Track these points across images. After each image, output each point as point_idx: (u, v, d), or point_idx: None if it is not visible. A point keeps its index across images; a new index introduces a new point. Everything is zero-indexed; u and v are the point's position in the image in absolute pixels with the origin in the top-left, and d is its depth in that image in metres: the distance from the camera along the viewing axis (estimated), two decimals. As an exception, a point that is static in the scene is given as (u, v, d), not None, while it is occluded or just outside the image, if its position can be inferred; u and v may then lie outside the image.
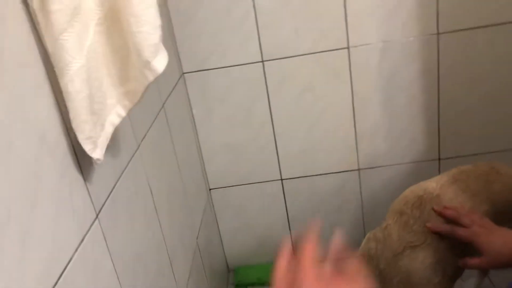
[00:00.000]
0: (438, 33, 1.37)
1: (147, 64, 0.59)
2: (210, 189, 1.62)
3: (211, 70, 1.44)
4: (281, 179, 1.60)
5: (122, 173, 0.84)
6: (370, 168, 1.56)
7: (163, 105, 1.18)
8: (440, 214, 0.90)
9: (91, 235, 0.68)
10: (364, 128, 1.50)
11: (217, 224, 1.67)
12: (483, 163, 1.04)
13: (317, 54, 1.40)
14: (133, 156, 0.91)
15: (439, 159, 1.53)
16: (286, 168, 1.58)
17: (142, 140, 0.97)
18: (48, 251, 0.57)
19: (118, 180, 0.81)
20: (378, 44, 1.39)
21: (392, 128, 1.50)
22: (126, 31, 0.59)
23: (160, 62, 0.60)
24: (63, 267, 0.60)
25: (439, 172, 1.54)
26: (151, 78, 0.61)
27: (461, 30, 1.36)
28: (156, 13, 0.58)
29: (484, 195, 0.93)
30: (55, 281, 0.58)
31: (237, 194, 1.63)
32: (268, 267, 1.71)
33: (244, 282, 1.67)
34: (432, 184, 0.97)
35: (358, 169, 1.56)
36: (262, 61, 1.43)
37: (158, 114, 1.13)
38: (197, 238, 1.35)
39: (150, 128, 1.04)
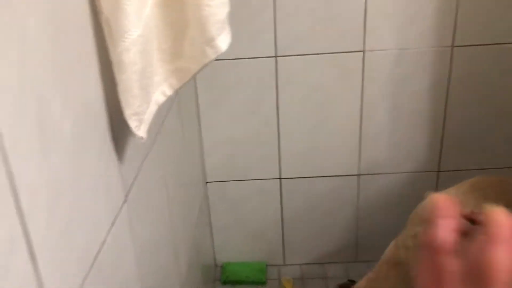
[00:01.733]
0: (452, 46, 1.38)
1: (210, 41, 0.55)
2: (206, 182, 1.58)
3: (220, 61, 1.40)
4: (280, 178, 1.57)
5: (146, 157, 0.79)
6: (369, 174, 1.55)
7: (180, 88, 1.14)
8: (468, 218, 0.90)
9: (120, 218, 0.64)
10: (369, 134, 1.49)
11: (210, 218, 1.63)
12: (495, 176, 1.05)
13: (332, 54, 1.39)
14: (155, 139, 0.86)
15: (438, 171, 1.54)
16: (286, 167, 1.55)
17: (162, 124, 0.93)
18: (87, 231, 0.53)
19: (143, 163, 0.77)
20: (393, 51, 1.38)
21: (396, 136, 1.50)
22: (190, 3, 0.55)
23: (224, 40, 0.56)
24: (97, 250, 0.56)
25: (437, 184, 1.55)
26: (212, 56, 0.57)
27: (476, 45, 1.37)
28: (227, -13, 0.55)
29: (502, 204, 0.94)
30: (90, 264, 0.53)
31: (234, 189, 1.59)
32: (257, 266, 1.70)
33: (231, 279, 1.63)
34: (452, 191, 0.97)
35: (358, 175, 1.56)
36: (276, 56, 1.40)
37: (174, 98, 1.08)
38: (194, 230, 1.31)
39: (169, 112, 1.00)
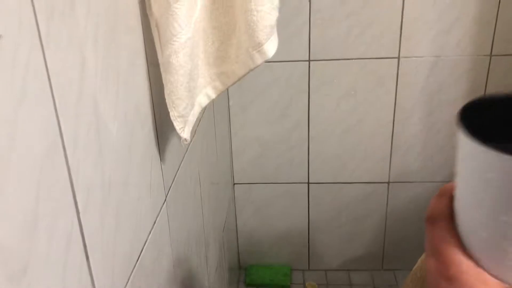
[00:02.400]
0: (491, 55, 1.35)
1: (258, 46, 0.55)
2: (234, 184, 1.58)
3: (253, 63, 1.40)
4: (308, 183, 1.57)
5: (183, 158, 0.80)
6: (400, 182, 1.54)
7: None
8: None
9: (160, 218, 0.65)
10: (401, 141, 1.48)
11: (236, 219, 1.64)
12: None
13: (366, 60, 1.38)
14: (191, 141, 0.87)
15: (471, 181, 1.51)
16: (314, 172, 1.55)
17: (197, 126, 0.94)
18: (132, 230, 0.54)
19: (180, 164, 0.78)
20: (429, 58, 1.36)
21: (429, 145, 1.48)
22: (239, 7, 0.55)
23: (271, 46, 0.56)
24: (141, 249, 0.56)
25: (469, 194, 1.52)
26: (259, 61, 0.57)
27: (514, 54, 1.35)
28: (277, -8, 0.55)
29: None
30: (135, 261, 0.54)
31: (261, 191, 1.59)
32: (281, 270, 1.69)
33: (256, 282, 1.63)
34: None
35: (388, 182, 1.54)
36: (309, 60, 1.40)
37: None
38: (222, 231, 1.32)
39: (203, 114, 1.01)
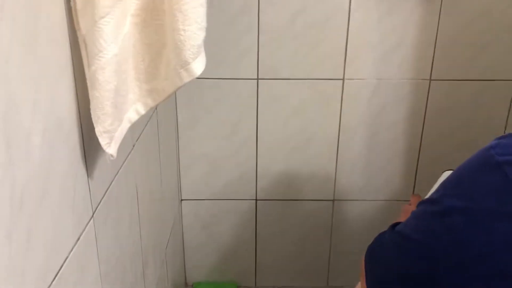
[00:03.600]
0: (430, 79, 1.41)
1: (185, 65, 0.56)
2: (181, 200, 1.57)
3: (202, 79, 1.41)
4: (256, 199, 1.57)
5: (117, 173, 0.79)
6: (344, 200, 1.57)
7: (156, 106, 1.14)
8: None
9: (86, 235, 0.64)
10: (345, 160, 1.51)
11: (182, 236, 1.62)
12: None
13: (313, 80, 1.41)
14: (127, 156, 0.86)
15: (412, 200, 1.56)
16: (262, 189, 1.56)
17: (136, 141, 0.93)
18: (48, 247, 0.52)
19: (113, 180, 0.77)
20: (372, 81, 1.41)
21: (372, 164, 1.52)
22: (168, 26, 0.56)
23: (198, 65, 0.57)
24: (59, 267, 0.55)
25: (410, 213, 1.57)
26: (186, 79, 0.58)
27: (452, 80, 1.41)
28: (204, 13, 0.56)
29: None
30: (50, 281, 0.53)
31: (208, 208, 1.59)
32: (228, 286, 1.68)
33: (201, 299, 1.61)
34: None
35: (333, 200, 1.57)
36: (257, 79, 1.42)
37: (151, 115, 1.09)
38: (166, 248, 1.30)
39: (144, 128, 1.00)
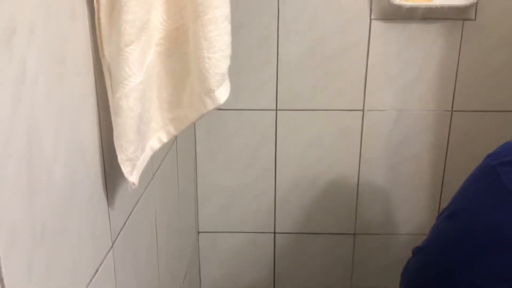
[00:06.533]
0: (452, 111, 1.39)
1: (210, 92, 0.56)
2: (199, 232, 1.55)
3: (221, 110, 1.41)
4: (274, 232, 1.54)
5: (137, 202, 0.78)
6: (365, 234, 1.53)
7: (177, 136, 1.14)
8: None
9: (105, 266, 0.62)
10: (366, 193, 1.48)
11: (199, 269, 1.59)
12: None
13: (332, 111, 1.40)
14: (147, 185, 0.85)
15: (435, 234, 1.51)
16: (281, 222, 1.53)
17: (156, 170, 0.92)
18: (67, 279, 0.51)
19: (133, 210, 0.76)
20: (392, 112, 1.39)
21: (394, 197, 1.48)
22: (192, 54, 0.56)
23: (223, 93, 0.57)
24: (77, 299, 0.53)
25: (434, 248, 1.52)
26: (210, 107, 0.57)
27: (473, 111, 1.39)
28: (229, 41, 0.56)
29: None
30: (68, 314, 0.51)
31: (226, 241, 1.56)
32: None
33: (218, 336, 1.56)
34: None
35: (354, 234, 1.53)
36: (276, 110, 1.41)
37: (172, 145, 1.08)
38: (183, 282, 1.27)
39: (164, 158, 0.99)
